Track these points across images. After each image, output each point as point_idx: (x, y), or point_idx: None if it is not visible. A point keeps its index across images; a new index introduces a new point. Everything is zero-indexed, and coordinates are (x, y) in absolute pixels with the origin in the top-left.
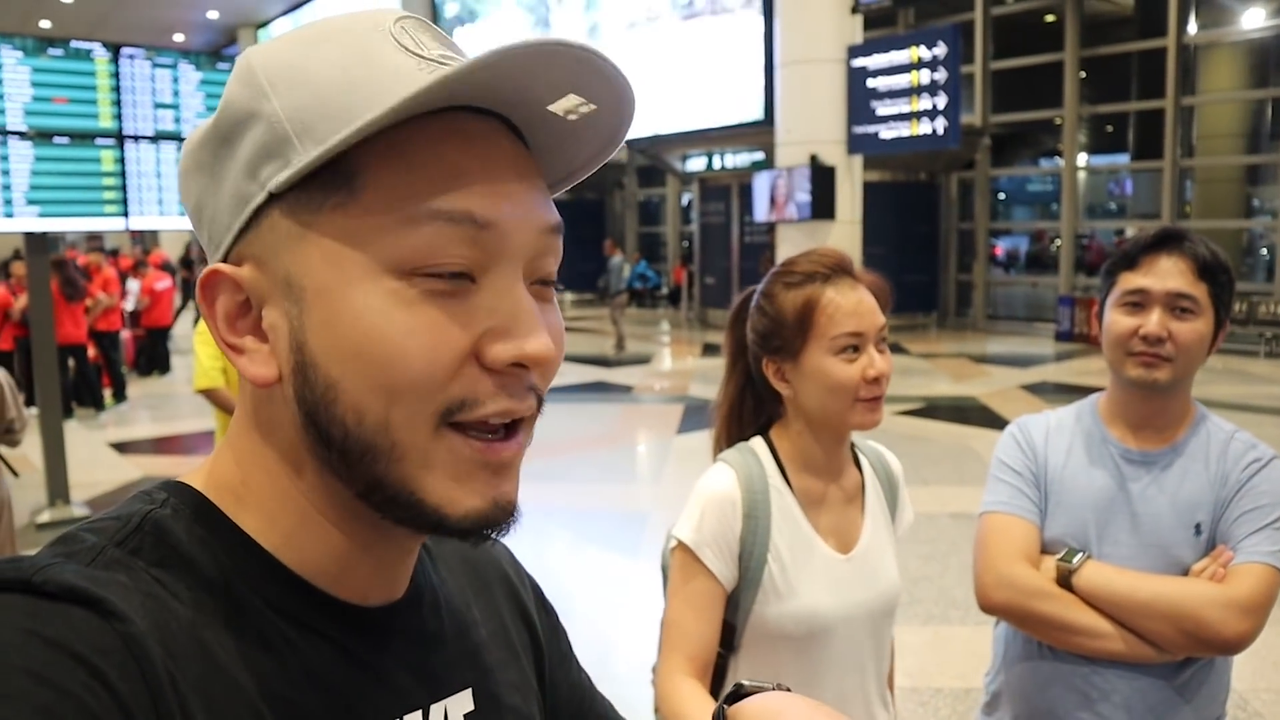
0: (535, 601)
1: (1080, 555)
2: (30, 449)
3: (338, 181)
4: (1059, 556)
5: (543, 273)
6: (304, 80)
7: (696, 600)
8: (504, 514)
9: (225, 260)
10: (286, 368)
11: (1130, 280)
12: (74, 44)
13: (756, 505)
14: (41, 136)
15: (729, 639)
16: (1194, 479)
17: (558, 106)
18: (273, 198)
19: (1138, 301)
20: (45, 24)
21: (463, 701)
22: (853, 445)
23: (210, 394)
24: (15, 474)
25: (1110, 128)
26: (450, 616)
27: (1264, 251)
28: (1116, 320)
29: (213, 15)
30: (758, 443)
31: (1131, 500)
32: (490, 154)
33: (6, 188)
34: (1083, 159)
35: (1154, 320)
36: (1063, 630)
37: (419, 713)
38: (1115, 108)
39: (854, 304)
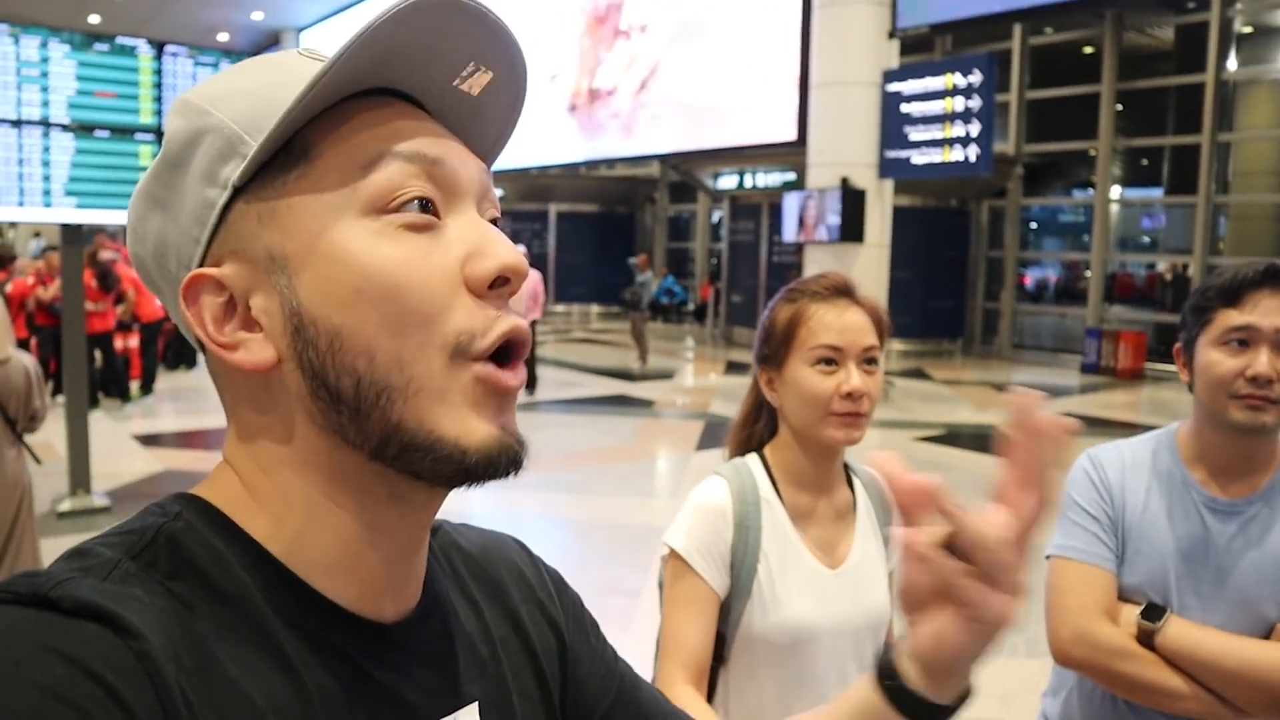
0: (556, 592)
1: (1165, 615)
2: (54, 437)
3: (293, 158)
4: (1141, 612)
5: (487, 216)
6: (239, 91)
7: (690, 608)
8: (516, 443)
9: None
10: (284, 342)
11: (1232, 318)
12: (119, 40)
13: (748, 516)
14: (83, 129)
15: (719, 649)
16: None
17: (462, 82)
18: (236, 192)
19: (1243, 339)
20: (94, 19)
21: (468, 716)
22: (847, 467)
23: None
24: (38, 461)
25: (1145, 161)
26: (460, 628)
27: None
28: (1218, 360)
29: (257, 17)
30: (752, 458)
31: (1217, 553)
32: (421, 119)
33: (47, 178)
34: (1116, 191)
35: (1263, 361)
36: (1144, 691)
37: None
38: (1151, 141)
39: (838, 320)
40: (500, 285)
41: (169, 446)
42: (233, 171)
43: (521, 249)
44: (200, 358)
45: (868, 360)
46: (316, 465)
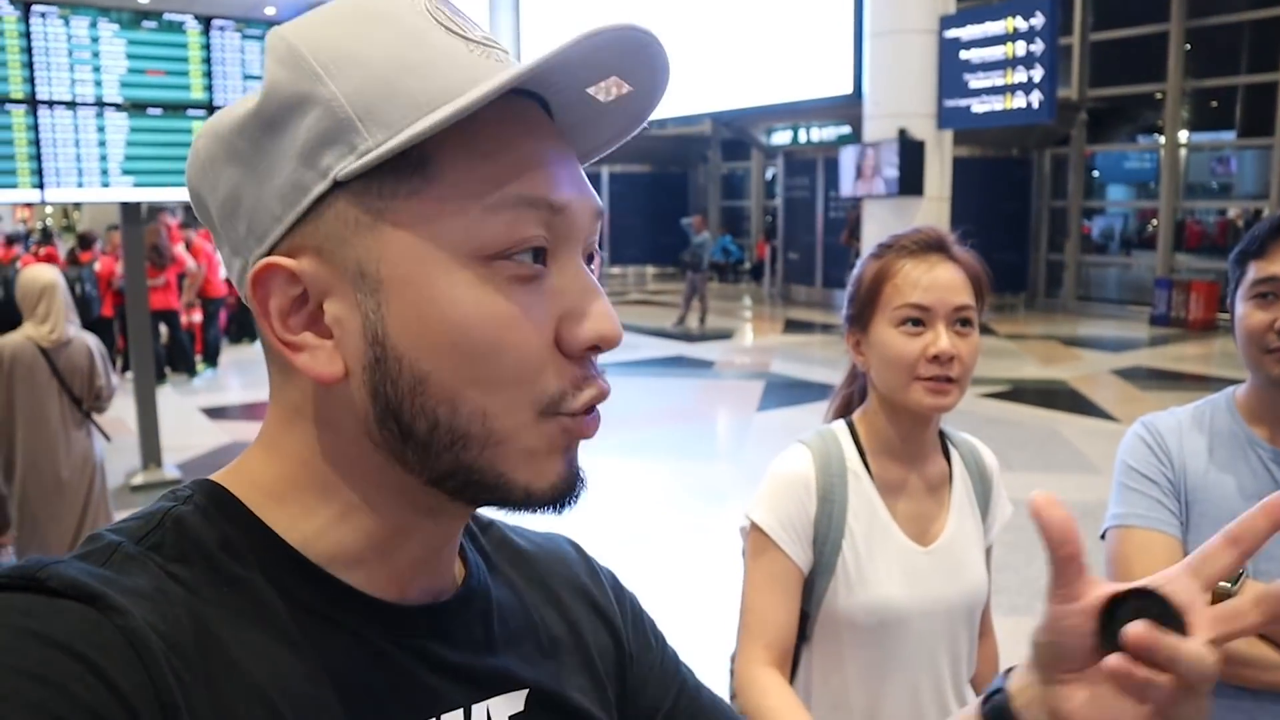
0: (612, 593)
1: (1241, 577)
2: (125, 413)
3: (409, 168)
4: None
5: (589, 251)
6: (359, 62)
7: (773, 584)
8: (579, 481)
9: (271, 253)
10: (358, 362)
11: (1261, 268)
12: (167, 16)
13: (832, 488)
14: (136, 108)
15: (802, 627)
16: None
17: (597, 89)
18: (337, 185)
19: (1272, 291)
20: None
21: (511, 702)
22: (944, 435)
23: None
24: (108, 438)
25: (1215, 103)
26: (504, 621)
27: None
28: (1249, 314)
29: None
30: (840, 425)
31: None
32: (548, 139)
33: (104, 158)
34: (1185, 135)
35: None
36: (1225, 662)
37: (459, 712)
38: (1222, 81)
39: (926, 278)
40: (594, 352)
41: (235, 419)
42: (337, 160)
43: None
44: None
45: (960, 321)
46: (362, 473)
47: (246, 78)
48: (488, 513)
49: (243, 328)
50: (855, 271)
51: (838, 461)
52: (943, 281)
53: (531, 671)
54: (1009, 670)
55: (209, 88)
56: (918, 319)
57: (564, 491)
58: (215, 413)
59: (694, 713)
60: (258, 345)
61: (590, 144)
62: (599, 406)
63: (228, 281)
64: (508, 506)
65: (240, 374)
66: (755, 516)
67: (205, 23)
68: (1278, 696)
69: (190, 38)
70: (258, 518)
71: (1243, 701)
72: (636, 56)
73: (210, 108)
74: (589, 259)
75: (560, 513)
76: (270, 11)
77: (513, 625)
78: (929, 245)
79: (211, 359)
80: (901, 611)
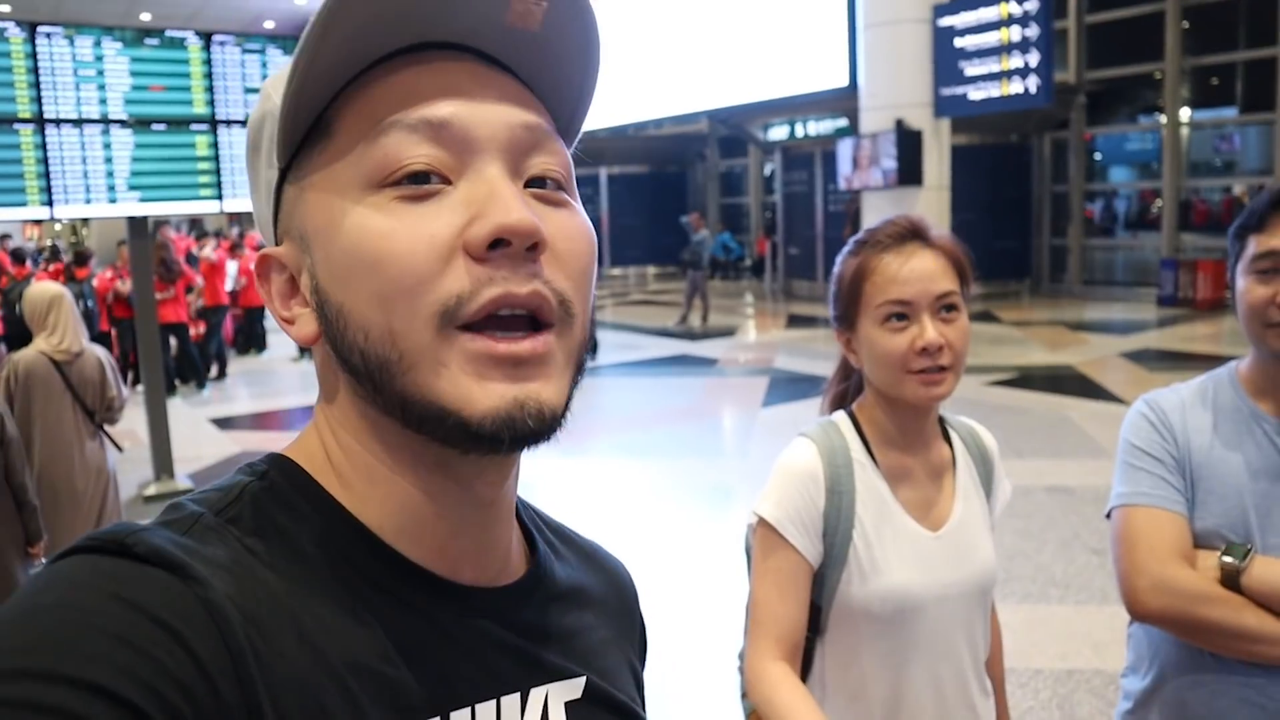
0: (640, 642)
1: (1249, 552)
2: (136, 424)
3: (320, 136)
4: (1222, 552)
5: (534, 172)
6: (289, 71)
7: (782, 579)
8: (531, 416)
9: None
10: (317, 317)
11: (1261, 243)
12: (169, 33)
13: (840, 479)
14: (140, 124)
15: (815, 621)
16: None
17: (516, 18)
18: (283, 174)
19: (1272, 267)
20: (146, 16)
21: (569, 689)
22: (943, 420)
23: None
24: (120, 449)
25: (1216, 80)
26: (566, 613)
27: None
28: (1249, 289)
29: (301, 2)
30: (840, 416)
31: None
32: (447, 71)
33: (110, 174)
34: (1186, 114)
35: None
36: (1236, 638)
37: (517, 695)
38: (1222, 58)
39: (904, 270)
40: (501, 247)
41: (244, 429)
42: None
43: None
44: (270, 340)
45: (945, 308)
46: (368, 432)
47: (247, 91)
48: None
49: (250, 339)
50: (835, 270)
51: (842, 452)
52: (921, 271)
53: (589, 666)
54: None
55: (211, 102)
56: (901, 313)
57: (507, 419)
58: (224, 423)
59: None
60: (264, 356)
61: (564, 90)
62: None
63: (232, 293)
64: (459, 435)
65: (248, 385)
66: (763, 512)
67: (206, 39)
68: None
69: (191, 53)
70: (329, 494)
71: (1255, 678)
72: None
73: (212, 121)
74: (537, 183)
75: (511, 449)
76: (269, 25)
77: (572, 618)
78: (904, 235)
79: (219, 369)
80: (917, 598)
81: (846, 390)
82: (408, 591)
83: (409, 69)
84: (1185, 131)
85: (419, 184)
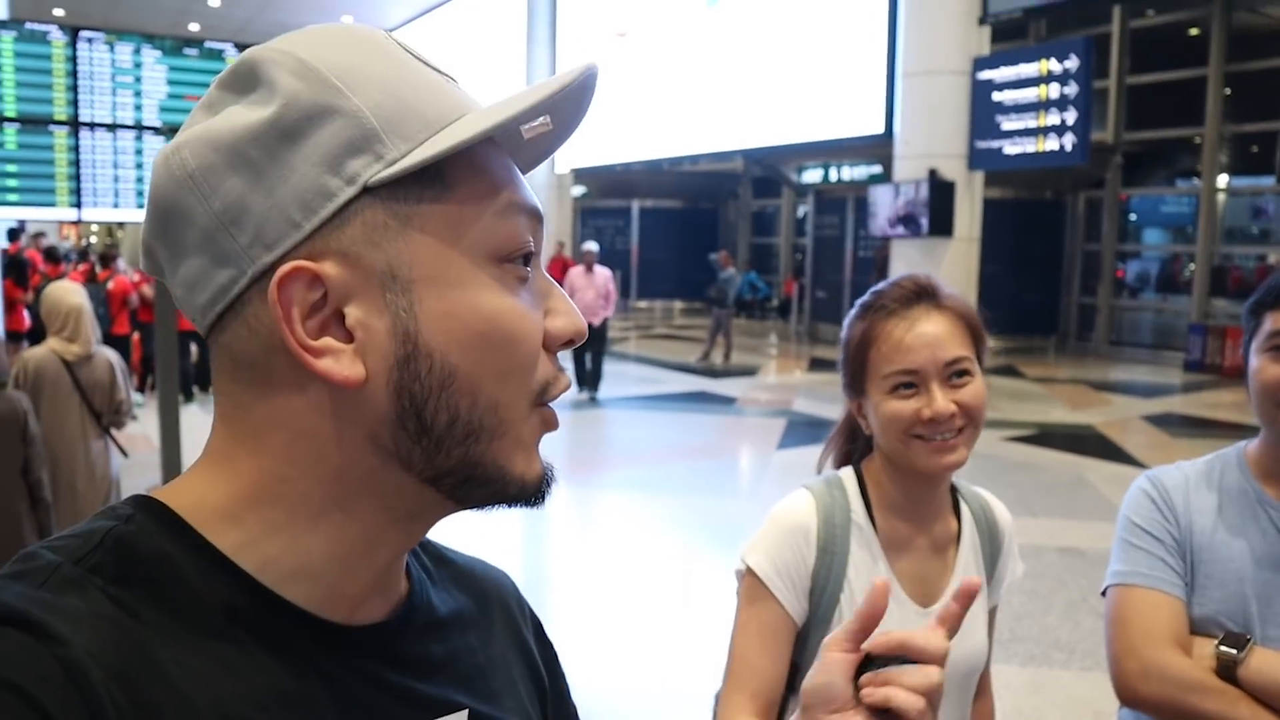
0: (535, 636)
1: (1249, 643)
2: (150, 429)
3: (429, 178)
4: (1219, 641)
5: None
6: (372, 79)
7: (764, 632)
8: (552, 473)
9: (285, 259)
10: (384, 363)
11: (1276, 320)
12: (208, 44)
13: (834, 539)
14: (174, 132)
15: (793, 680)
16: None
17: (529, 127)
18: (365, 192)
19: None
20: (194, 27)
21: None
22: (955, 490)
23: None
24: (125, 454)
25: (1255, 147)
26: (446, 640)
27: None
28: (1263, 367)
29: (347, 19)
30: (848, 473)
31: None
32: (509, 156)
33: (140, 180)
34: (1223, 180)
35: None
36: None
37: None
38: (1262, 126)
39: (910, 336)
40: (567, 345)
41: None
42: (364, 169)
43: (594, 245)
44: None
45: (956, 373)
46: (350, 479)
47: None
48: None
49: None
50: (843, 334)
51: (842, 512)
52: (929, 338)
53: (471, 693)
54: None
55: None
56: (909, 383)
57: (547, 483)
58: None
59: None
60: None
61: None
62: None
63: None
64: (499, 501)
65: None
66: (751, 561)
67: (242, 49)
68: None
69: (229, 65)
70: (203, 537)
71: None
72: (576, 99)
73: None
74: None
75: (540, 505)
76: None
77: (454, 643)
78: (910, 298)
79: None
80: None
81: (853, 451)
82: (285, 635)
83: (498, 150)
84: (1221, 197)
85: (527, 268)
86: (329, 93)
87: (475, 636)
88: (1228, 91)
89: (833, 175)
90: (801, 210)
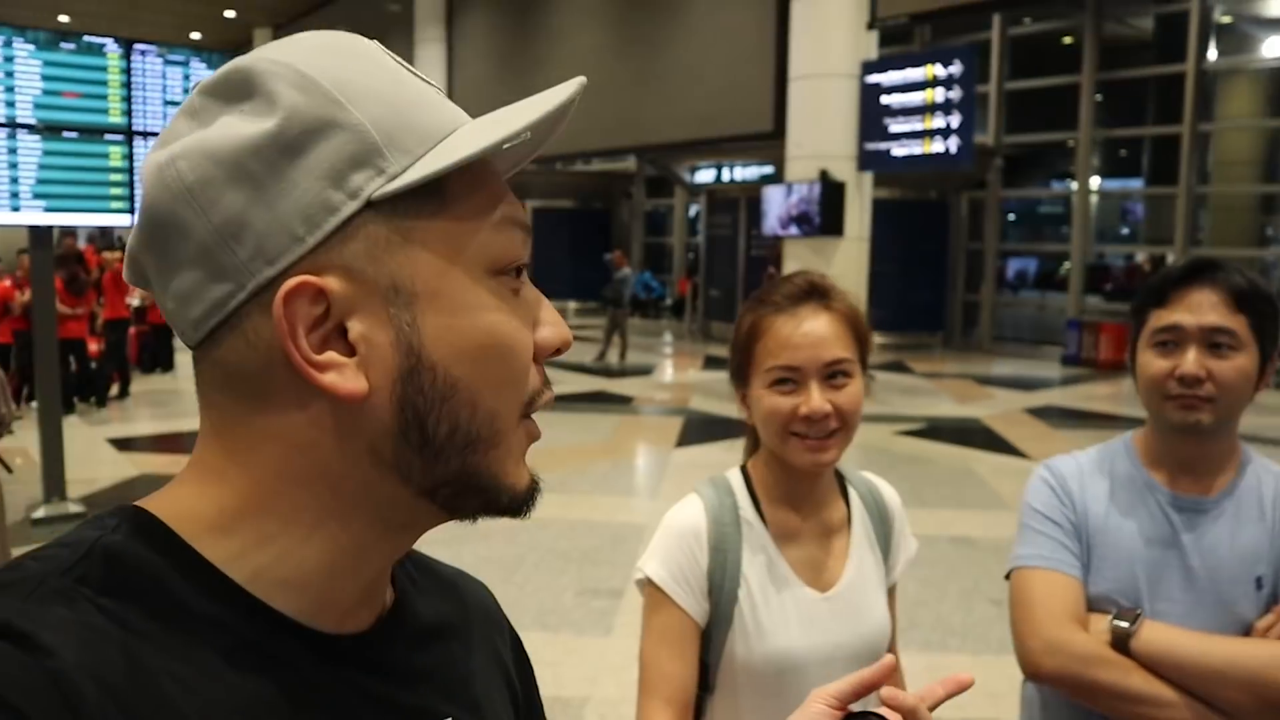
0: (512, 649)
1: (1139, 617)
2: (30, 443)
3: (429, 192)
4: (1113, 617)
5: None
6: (370, 93)
7: (670, 638)
8: (539, 483)
9: (288, 274)
10: (386, 376)
11: (1161, 317)
12: (87, 38)
13: (725, 539)
14: (50, 130)
15: (704, 678)
16: (1250, 527)
17: (509, 145)
18: (368, 206)
19: (1171, 340)
20: (64, 18)
21: None
22: (842, 476)
23: None
24: (9, 469)
25: (1124, 152)
26: (431, 650)
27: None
28: (1150, 361)
29: (229, 15)
30: (734, 474)
31: (1185, 552)
32: (498, 168)
33: (14, 180)
34: (1095, 182)
35: (1190, 360)
36: (1123, 699)
37: None
38: (1131, 132)
39: (796, 334)
40: (555, 355)
41: (144, 450)
42: (366, 183)
43: None
44: (179, 360)
45: (835, 374)
46: (346, 491)
47: (167, 103)
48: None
49: (156, 357)
50: (735, 327)
51: (730, 511)
52: (813, 337)
53: (455, 702)
54: None
55: (128, 112)
56: (789, 379)
57: (534, 492)
58: (123, 444)
59: None
60: (170, 376)
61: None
62: None
63: (139, 309)
64: (490, 510)
65: (152, 405)
66: (649, 571)
67: (126, 46)
68: None
69: (110, 61)
70: (192, 548)
71: None
72: (560, 112)
73: (128, 132)
74: None
75: (527, 515)
76: (195, 36)
77: (438, 652)
78: (800, 296)
79: (123, 388)
80: (799, 660)
81: (755, 446)
82: (275, 646)
83: (488, 163)
84: (1094, 199)
85: (518, 279)
86: (330, 106)
87: (458, 647)
88: (1099, 98)
89: (725, 175)
90: (694, 210)
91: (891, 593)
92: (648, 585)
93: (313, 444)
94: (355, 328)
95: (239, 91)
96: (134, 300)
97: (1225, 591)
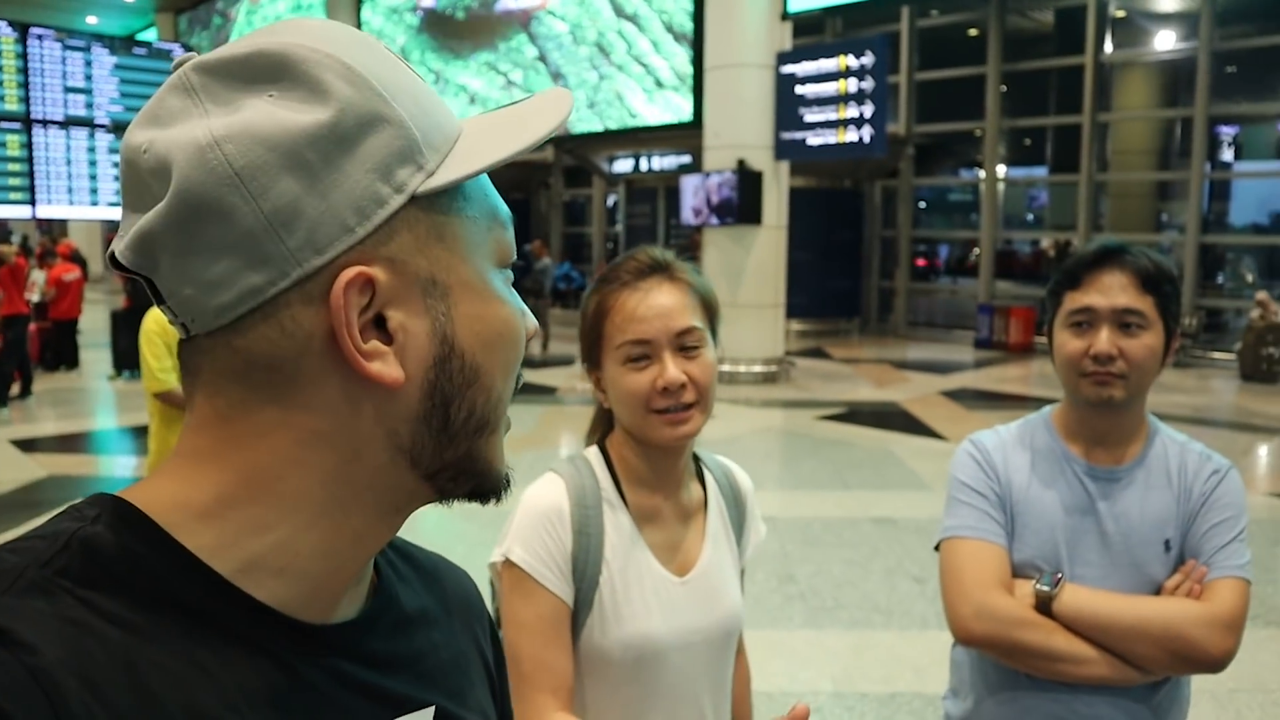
0: (489, 635)
1: (1060, 581)
2: None
3: (455, 189)
4: (1036, 582)
5: None
6: (403, 89)
7: (544, 626)
8: (511, 471)
9: (332, 264)
10: (420, 364)
11: (1075, 299)
12: None
13: (589, 521)
14: None
15: None
16: (1159, 494)
17: None
18: (411, 200)
19: (1085, 320)
20: None
21: (422, 718)
22: (698, 459)
23: (167, 396)
24: None
25: (1029, 141)
26: (413, 637)
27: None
28: (1066, 341)
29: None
30: (593, 452)
31: (1100, 518)
32: None
33: None
34: (1002, 170)
35: (1103, 339)
36: (1047, 659)
37: None
38: (1034, 122)
39: (643, 307)
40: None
41: (51, 451)
42: (409, 178)
43: None
44: (83, 357)
45: (688, 345)
46: (355, 477)
47: (68, 90)
48: None
49: (60, 355)
50: (581, 307)
51: (592, 492)
52: (661, 308)
53: (437, 688)
54: None
55: (25, 99)
56: (642, 354)
57: (510, 478)
58: (28, 445)
59: None
60: (77, 373)
61: None
62: None
63: (40, 304)
64: (477, 494)
65: (57, 404)
66: (513, 555)
67: (21, 30)
68: (1091, 688)
69: (4, 45)
70: (171, 537)
71: (1061, 694)
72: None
73: (26, 120)
74: None
75: (501, 501)
76: (92, 20)
77: (421, 639)
78: (645, 271)
79: (25, 388)
80: (659, 646)
81: (604, 434)
82: (257, 635)
83: None
84: (1001, 186)
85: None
86: (377, 101)
87: (440, 633)
88: (1004, 89)
89: (643, 165)
90: (612, 199)
91: (741, 576)
92: (512, 570)
93: (334, 431)
94: (395, 317)
95: (267, 74)
96: (34, 296)
97: (1137, 554)
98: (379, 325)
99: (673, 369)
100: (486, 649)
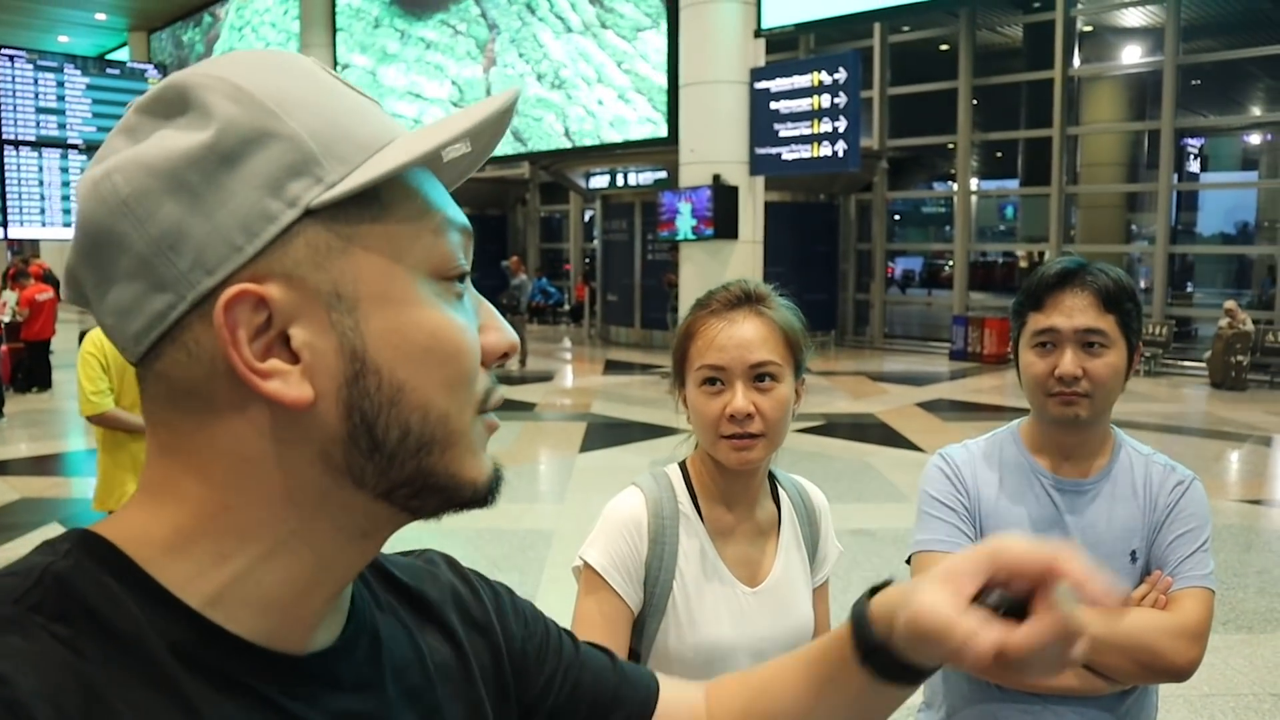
0: (485, 593)
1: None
2: None
3: (367, 199)
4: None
5: None
6: (305, 104)
7: (604, 623)
8: (501, 472)
9: (228, 283)
10: (332, 382)
11: (1039, 320)
12: None
13: (664, 530)
14: None
15: None
16: (1124, 505)
17: (451, 151)
18: (307, 214)
19: (1049, 341)
20: None
21: None
22: (774, 478)
23: (102, 419)
24: None
25: (1000, 154)
26: (389, 657)
27: (1142, 276)
28: (1031, 362)
29: (100, 17)
30: (673, 468)
31: (1068, 531)
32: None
33: None
34: (974, 183)
35: (1067, 360)
36: (1017, 671)
37: None
38: (1005, 135)
39: (723, 336)
40: (502, 359)
41: (23, 474)
42: (305, 191)
43: None
44: (55, 378)
45: (761, 376)
46: (302, 501)
47: (41, 110)
48: None
49: (32, 377)
50: (675, 328)
51: (670, 504)
52: (740, 339)
53: (413, 710)
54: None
55: None
56: (716, 378)
57: (497, 482)
58: (0, 467)
59: (576, 676)
60: (48, 395)
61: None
62: None
63: (11, 325)
64: (452, 507)
65: (29, 425)
66: (589, 557)
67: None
68: (1060, 698)
69: None
70: (145, 571)
71: (1031, 705)
72: (495, 123)
73: None
74: None
75: (493, 505)
76: (64, 40)
77: (398, 657)
78: (735, 301)
79: None
80: (729, 651)
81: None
82: (232, 669)
83: (426, 171)
84: (974, 199)
85: (461, 285)
86: (266, 117)
87: (422, 642)
88: (975, 102)
89: (619, 180)
90: (589, 215)
91: (819, 592)
92: (587, 570)
93: (262, 455)
94: (298, 335)
95: (174, 106)
96: (5, 316)
97: (1104, 566)
98: (288, 344)
99: (741, 399)
100: (486, 613)
